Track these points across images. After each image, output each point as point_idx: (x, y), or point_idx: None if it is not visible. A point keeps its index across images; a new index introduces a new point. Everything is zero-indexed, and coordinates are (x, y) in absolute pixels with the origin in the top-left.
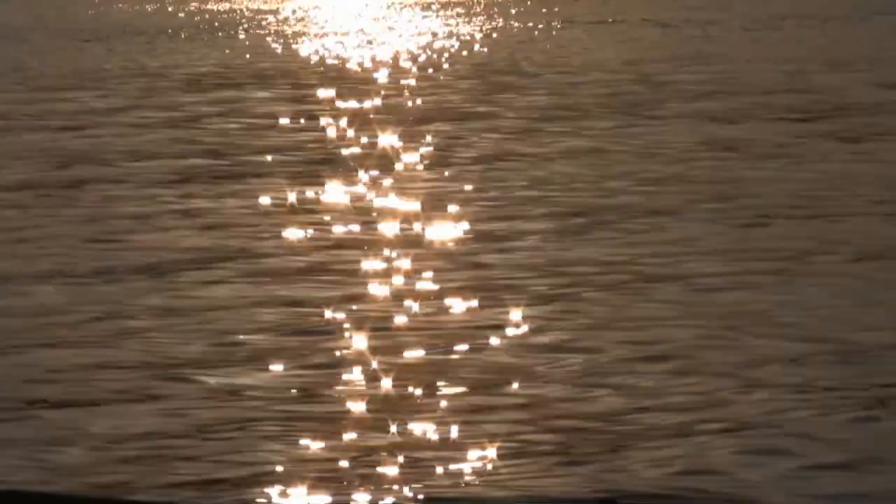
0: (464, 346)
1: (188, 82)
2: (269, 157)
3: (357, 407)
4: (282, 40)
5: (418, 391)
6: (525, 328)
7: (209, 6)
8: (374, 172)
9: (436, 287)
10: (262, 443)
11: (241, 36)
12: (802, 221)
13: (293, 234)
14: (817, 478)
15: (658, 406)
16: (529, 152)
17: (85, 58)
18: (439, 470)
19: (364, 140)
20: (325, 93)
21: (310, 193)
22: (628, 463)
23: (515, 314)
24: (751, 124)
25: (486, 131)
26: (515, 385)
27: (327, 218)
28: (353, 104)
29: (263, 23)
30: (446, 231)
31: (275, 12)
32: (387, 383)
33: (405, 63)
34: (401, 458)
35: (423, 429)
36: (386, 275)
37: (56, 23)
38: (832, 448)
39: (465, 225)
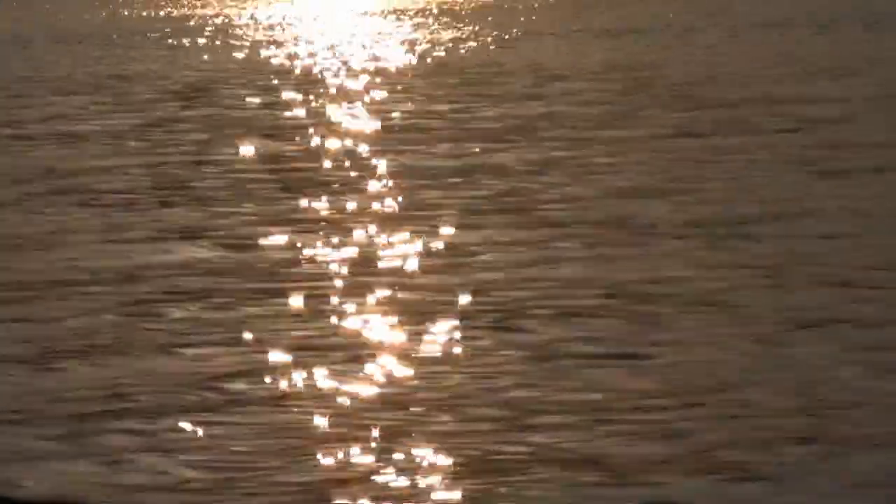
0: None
1: (163, 89)
2: (237, 168)
3: (312, 427)
4: (255, 47)
5: (374, 415)
6: (479, 349)
7: (185, 11)
8: (345, 185)
9: (397, 304)
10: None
11: (217, 42)
12: (778, 237)
13: (263, 249)
14: None
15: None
16: (503, 163)
17: (56, 62)
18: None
19: (338, 150)
20: (298, 101)
21: (285, 206)
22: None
23: (468, 333)
24: (733, 136)
25: (461, 140)
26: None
27: (297, 232)
28: (328, 113)
29: (237, 30)
30: (416, 245)
31: (247, 19)
32: (342, 405)
33: (378, 71)
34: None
35: (375, 453)
36: (349, 290)
37: (29, 28)
38: None
39: (434, 237)
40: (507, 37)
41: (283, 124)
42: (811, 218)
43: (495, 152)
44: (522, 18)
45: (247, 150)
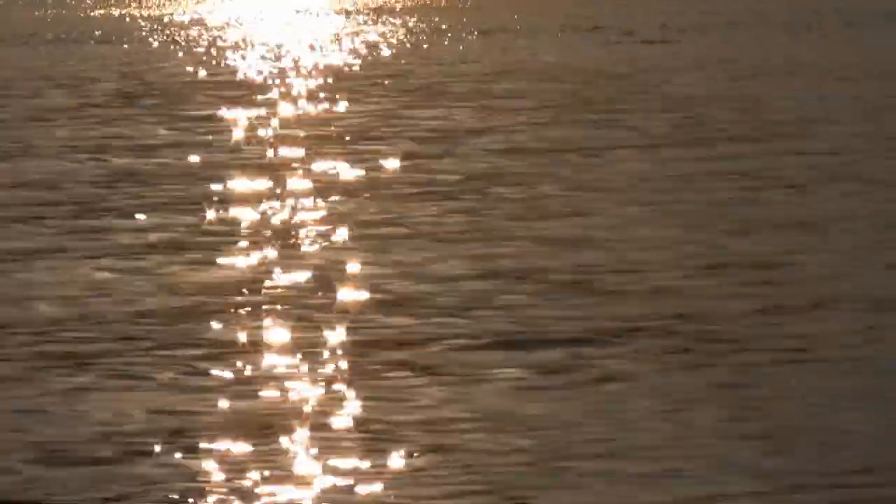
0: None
1: (98, 98)
2: (158, 182)
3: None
4: (183, 51)
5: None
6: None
7: (122, 11)
8: (275, 197)
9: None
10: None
11: (139, 46)
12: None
13: (192, 271)
14: None
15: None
16: (444, 171)
17: None
18: None
19: (270, 160)
20: (230, 108)
21: (210, 217)
22: None
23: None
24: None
25: (393, 148)
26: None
27: (221, 250)
28: (266, 121)
29: (170, 31)
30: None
31: (190, 20)
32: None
33: (315, 75)
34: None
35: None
36: (281, 302)
37: None
38: None
39: (368, 256)
40: (443, 37)
41: (208, 129)
42: None
43: (425, 160)
44: (465, 18)
45: (159, 161)
